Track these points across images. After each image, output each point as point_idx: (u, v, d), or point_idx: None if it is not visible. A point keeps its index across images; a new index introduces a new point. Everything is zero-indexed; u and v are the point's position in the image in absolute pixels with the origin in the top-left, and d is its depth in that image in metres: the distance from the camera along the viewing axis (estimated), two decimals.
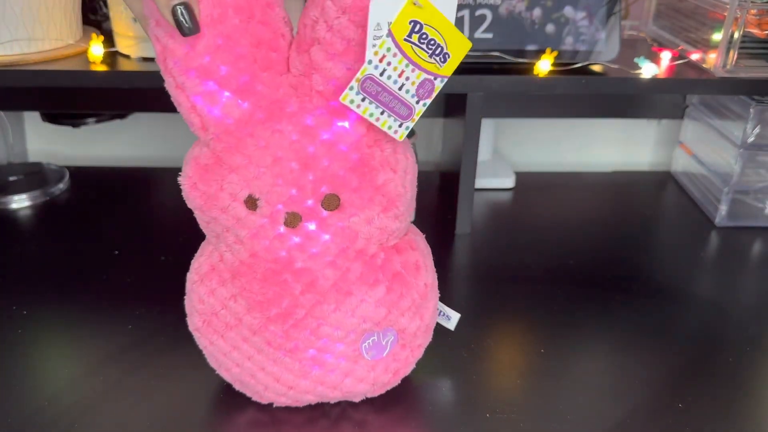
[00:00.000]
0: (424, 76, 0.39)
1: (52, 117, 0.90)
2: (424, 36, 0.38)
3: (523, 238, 0.79)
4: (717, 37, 0.71)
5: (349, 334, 0.46)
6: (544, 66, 0.69)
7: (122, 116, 0.93)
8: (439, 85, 0.40)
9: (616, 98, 0.92)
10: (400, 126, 0.40)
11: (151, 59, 0.68)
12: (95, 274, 0.68)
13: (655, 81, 0.70)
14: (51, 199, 0.83)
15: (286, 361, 0.47)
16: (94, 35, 0.69)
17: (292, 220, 0.42)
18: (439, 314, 0.52)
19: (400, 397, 0.52)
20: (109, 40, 0.71)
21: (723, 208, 0.81)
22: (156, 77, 0.66)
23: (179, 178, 0.43)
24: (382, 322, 0.46)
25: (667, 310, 0.65)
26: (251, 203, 0.42)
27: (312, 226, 0.43)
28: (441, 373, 0.56)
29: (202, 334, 0.48)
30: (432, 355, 0.52)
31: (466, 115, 0.73)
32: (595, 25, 0.69)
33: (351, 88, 0.38)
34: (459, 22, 0.68)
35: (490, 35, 0.69)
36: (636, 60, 0.72)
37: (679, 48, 0.77)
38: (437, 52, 0.39)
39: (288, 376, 0.47)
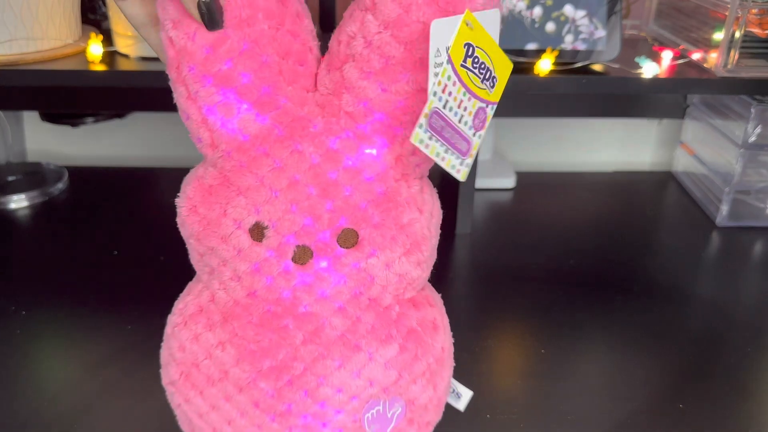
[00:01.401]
0: (479, 104, 0.35)
1: (51, 116, 0.90)
2: (476, 60, 0.34)
3: (523, 238, 0.79)
4: (718, 36, 0.71)
5: (352, 400, 0.39)
6: (544, 65, 0.69)
7: (121, 116, 0.93)
8: (490, 113, 0.36)
9: (617, 98, 0.92)
10: (461, 164, 0.36)
11: (151, 58, 0.68)
12: (94, 274, 0.68)
13: (656, 80, 0.70)
14: (50, 198, 0.83)
15: (273, 428, 0.39)
16: (93, 34, 0.68)
17: (302, 256, 0.37)
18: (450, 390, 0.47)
19: None
20: (108, 39, 0.70)
21: (724, 208, 0.81)
22: (155, 77, 0.66)
23: (177, 200, 0.38)
24: (391, 387, 0.40)
25: (668, 310, 0.65)
26: (257, 232, 0.37)
27: (323, 264, 0.37)
28: None
29: (177, 389, 0.41)
30: None
31: None
32: (595, 24, 0.69)
33: (420, 126, 0.33)
34: None
35: None
36: (637, 59, 0.72)
37: (680, 47, 0.77)
38: (487, 76, 0.35)
39: None
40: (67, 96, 0.86)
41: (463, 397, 0.47)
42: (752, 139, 0.78)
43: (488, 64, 0.35)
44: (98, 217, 0.79)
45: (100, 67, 0.66)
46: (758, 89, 0.72)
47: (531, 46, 0.70)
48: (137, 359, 0.56)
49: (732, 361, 0.58)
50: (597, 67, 0.71)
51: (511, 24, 0.69)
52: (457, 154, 0.35)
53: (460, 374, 0.55)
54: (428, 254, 0.39)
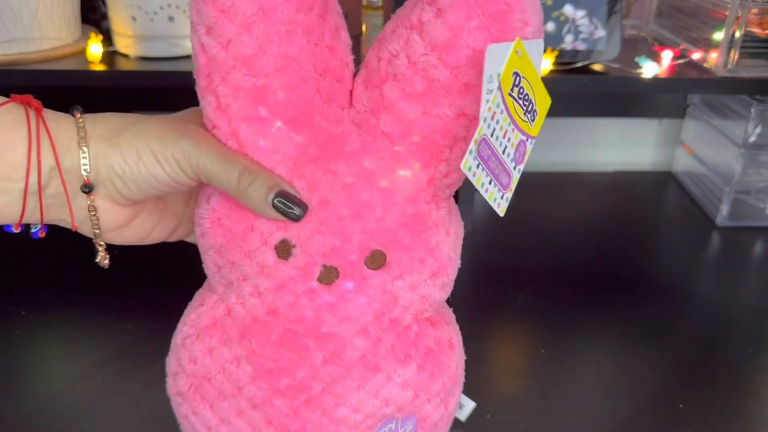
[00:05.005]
0: (521, 137, 0.34)
1: None
2: (522, 90, 0.33)
3: (523, 238, 0.78)
4: (718, 36, 0.71)
5: (367, 420, 0.39)
6: (544, 65, 0.69)
7: None
8: (529, 147, 0.35)
9: (617, 98, 0.92)
10: (501, 197, 0.34)
11: (151, 59, 0.68)
12: (94, 275, 0.68)
13: (656, 80, 0.70)
14: None
15: None
16: (92, 34, 0.68)
17: (328, 276, 0.36)
18: None
19: None
20: (107, 39, 0.70)
21: (724, 208, 0.81)
22: (155, 77, 0.66)
23: (198, 211, 0.37)
24: (406, 407, 0.39)
25: (668, 310, 0.65)
26: (284, 250, 0.36)
27: (349, 285, 0.36)
28: None
29: (185, 400, 0.40)
30: None
31: None
32: (595, 24, 0.69)
33: (471, 153, 0.31)
34: None
35: None
36: (637, 59, 0.72)
37: (681, 47, 0.77)
38: (529, 108, 0.34)
39: None
40: (66, 96, 0.86)
41: (465, 407, 0.47)
42: (752, 139, 0.78)
43: (531, 96, 0.34)
44: None
45: (100, 67, 0.66)
46: (758, 89, 0.72)
47: None
48: (137, 359, 0.56)
49: (732, 361, 0.58)
50: (597, 67, 0.71)
51: None
52: (499, 186, 0.34)
53: None
54: (452, 277, 0.39)
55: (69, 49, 0.69)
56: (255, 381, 0.38)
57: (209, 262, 0.38)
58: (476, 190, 0.91)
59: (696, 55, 0.74)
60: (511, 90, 0.32)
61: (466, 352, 0.58)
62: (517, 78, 0.32)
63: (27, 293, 0.65)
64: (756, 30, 0.70)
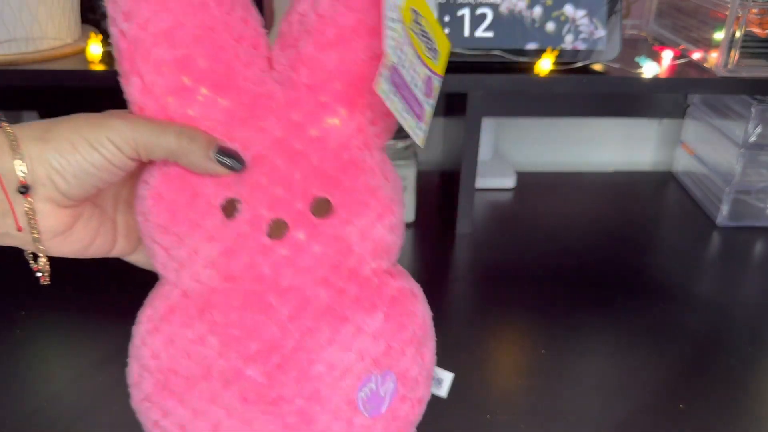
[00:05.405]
0: (426, 72, 0.36)
1: (51, 116, 0.90)
2: (421, 27, 0.36)
3: (524, 238, 0.78)
4: (718, 36, 0.71)
5: (345, 377, 0.38)
6: (545, 65, 0.69)
7: None
8: (437, 85, 0.38)
9: (618, 97, 0.92)
10: (417, 127, 0.36)
11: None
12: (94, 274, 0.68)
13: (656, 80, 0.70)
14: None
15: (265, 422, 0.37)
16: (92, 34, 0.68)
17: (278, 230, 0.36)
18: None
19: None
20: (107, 39, 0.70)
21: (724, 208, 0.81)
22: None
23: (139, 191, 0.37)
24: (382, 360, 0.39)
25: (669, 310, 0.65)
26: (230, 207, 0.36)
27: (301, 235, 0.37)
28: None
29: (153, 403, 0.38)
30: None
31: (466, 114, 0.72)
32: (595, 24, 0.69)
33: (382, 75, 0.33)
34: (460, 21, 0.68)
35: (490, 34, 0.69)
36: (637, 59, 0.72)
37: (681, 47, 0.77)
38: (431, 46, 0.37)
39: None
40: (67, 96, 0.86)
41: (444, 381, 0.46)
42: (752, 139, 0.78)
43: (431, 34, 0.37)
44: None
45: (100, 67, 0.66)
46: (758, 89, 0.72)
47: (531, 46, 0.70)
48: None
49: (732, 361, 0.58)
50: (597, 67, 0.71)
51: (511, 24, 0.69)
52: (414, 116, 0.36)
53: (460, 374, 0.55)
54: (400, 218, 0.40)
55: (69, 49, 0.69)
56: (223, 354, 0.37)
57: (157, 249, 0.38)
58: (476, 189, 0.90)
59: (696, 55, 0.74)
60: (413, 25, 0.35)
61: (467, 351, 0.58)
62: (415, 14, 0.35)
63: (27, 293, 0.65)
64: (756, 30, 0.70)
